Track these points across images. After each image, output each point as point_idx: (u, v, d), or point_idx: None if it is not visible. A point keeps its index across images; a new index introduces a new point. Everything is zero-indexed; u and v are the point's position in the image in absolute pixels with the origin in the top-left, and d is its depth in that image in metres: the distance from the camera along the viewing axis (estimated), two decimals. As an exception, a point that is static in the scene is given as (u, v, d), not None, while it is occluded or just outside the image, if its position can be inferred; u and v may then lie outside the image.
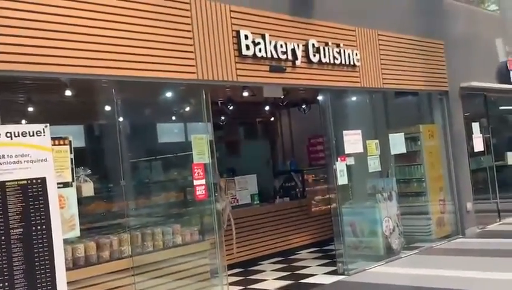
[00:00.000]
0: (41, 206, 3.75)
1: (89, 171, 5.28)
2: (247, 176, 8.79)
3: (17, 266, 3.61)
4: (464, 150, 9.30)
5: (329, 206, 9.06)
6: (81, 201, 5.17)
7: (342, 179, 7.17)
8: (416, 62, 8.51)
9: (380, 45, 7.91)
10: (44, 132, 3.88)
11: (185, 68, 5.50)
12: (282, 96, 8.36)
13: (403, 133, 8.37)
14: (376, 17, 7.86)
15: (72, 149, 4.57)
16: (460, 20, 9.59)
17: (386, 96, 8.94)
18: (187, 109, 7.69)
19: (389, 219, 7.90)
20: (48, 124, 3.95)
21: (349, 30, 7.43)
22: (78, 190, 4.97)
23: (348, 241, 7.53)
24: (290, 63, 6.55)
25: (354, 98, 8.39)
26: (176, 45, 5.44)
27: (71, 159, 4.54)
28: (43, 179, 3.80)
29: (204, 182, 5.79)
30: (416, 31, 8.64)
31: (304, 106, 10.19)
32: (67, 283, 4.04)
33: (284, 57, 6.43)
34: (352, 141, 7.38)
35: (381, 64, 7.89)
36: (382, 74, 7.89)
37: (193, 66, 5.57)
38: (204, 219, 6.33)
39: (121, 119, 6.34)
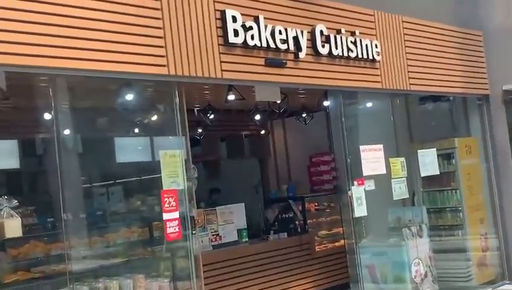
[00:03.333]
0: None
1: (15, 203, 4.60)
2: (232, 205, 8.42)
3: None
4: (510, 170, 8.80)
5: (336, 244, 9.10)
6: (4, 244, 4.77)
7: (360, 209, 6.72)
8: (450, 58, 8.14)
9: (405, 34, 7.52)
10: None
11: (151, 59, 4.93)
12: (279, 101, 7.96)
13: (435, 149, 7.98)
14: (399, -1, 7.59)
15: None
16: (502, 4, 9.14)
17: (410, 102, 8.60)
18: (154, 117, 7.27)
19: (419, 260, 7.40)
20: None
21: (366, 14, 7.04)
22: (0, 229, 4.47)
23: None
24: (291, 56, 6.08)
25: (370, 104, 8.02)
26: (139, 27, 4.85)
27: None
28: None
29: (177, 216, 5.24)
30: (448, 18, 8.29)
31: (304, 115, 9.96)
32: None
33: (283, 46, 5.95)
34: (372, 158, 6.91)
35: (408, 59, 7.51)
36: (408, 71, 7.50)
37: (162, 56, 5.01)
38: (178, 264, 5.94)
39: (65, 131, 5.88)
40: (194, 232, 5.61)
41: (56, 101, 5.08)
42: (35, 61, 4.19)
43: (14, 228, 4.56)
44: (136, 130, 8.44)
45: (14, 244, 5.45)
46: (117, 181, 8.02)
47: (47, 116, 5.81)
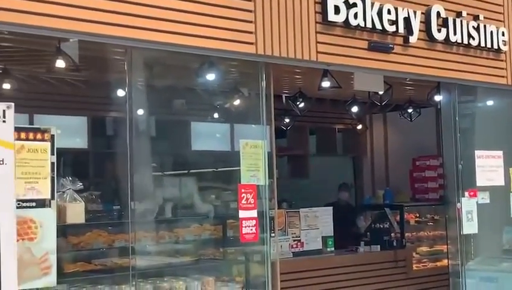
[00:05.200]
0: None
1: (79, 185, 4.82)
2: (318, 208, 8.38)
3: None
4: None
5: (438, 264, 9.03)
6: (65, 230, 4.89)
7: (470, 226, 6.76)
8: None
9: (539, 21, 7.42)
10: (4, 116, 3.32)
11: (237, 35, 5.05)
12: (381, 92, 7.96)
13: None
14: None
15: (55, 149, 4.10)
16: None
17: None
18: (236, 102, 7.39)
19: (538, 293, 7.19)
20: (13, 104, 3.43)
21: (494, -4, 7.05)
22: (61, 213, 4.63)
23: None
24: (400, 40, 6.12)
25: (491, 102, 7.98)
26: (226, -1, 5.02)
27: (52, 163, 4.10)
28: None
29: (255, 215, 5.38)
30: None
31: (410, 110, 9.87)
32: None
33: (391, 29, 6.00)
34: (489, 167, 6.93)
35: (540, 51, 7.40)
36: (541, 66, 7.41)
37: (251, 32, 5.12)
38: (253, 270, 6.10)
39: (138, 111, 6.22)
40: (272, 235, 5.71)
41: (131, 77, 5.23)
42: (110, 30, 4.37)
43: (76, 213, 4.78)
44: (216, 115, 8.67)
45: (75, 231, 5.67)
46: (191, 171, 8.23)
47: (120, 93, 6.06)
